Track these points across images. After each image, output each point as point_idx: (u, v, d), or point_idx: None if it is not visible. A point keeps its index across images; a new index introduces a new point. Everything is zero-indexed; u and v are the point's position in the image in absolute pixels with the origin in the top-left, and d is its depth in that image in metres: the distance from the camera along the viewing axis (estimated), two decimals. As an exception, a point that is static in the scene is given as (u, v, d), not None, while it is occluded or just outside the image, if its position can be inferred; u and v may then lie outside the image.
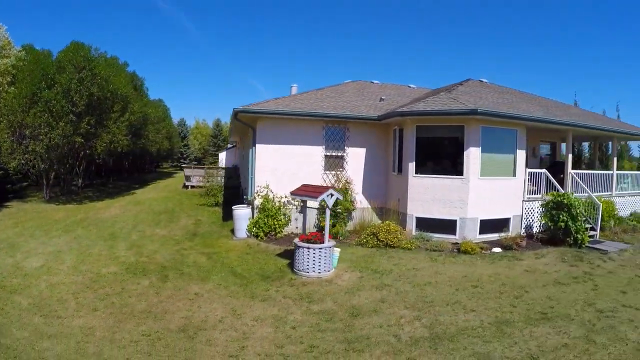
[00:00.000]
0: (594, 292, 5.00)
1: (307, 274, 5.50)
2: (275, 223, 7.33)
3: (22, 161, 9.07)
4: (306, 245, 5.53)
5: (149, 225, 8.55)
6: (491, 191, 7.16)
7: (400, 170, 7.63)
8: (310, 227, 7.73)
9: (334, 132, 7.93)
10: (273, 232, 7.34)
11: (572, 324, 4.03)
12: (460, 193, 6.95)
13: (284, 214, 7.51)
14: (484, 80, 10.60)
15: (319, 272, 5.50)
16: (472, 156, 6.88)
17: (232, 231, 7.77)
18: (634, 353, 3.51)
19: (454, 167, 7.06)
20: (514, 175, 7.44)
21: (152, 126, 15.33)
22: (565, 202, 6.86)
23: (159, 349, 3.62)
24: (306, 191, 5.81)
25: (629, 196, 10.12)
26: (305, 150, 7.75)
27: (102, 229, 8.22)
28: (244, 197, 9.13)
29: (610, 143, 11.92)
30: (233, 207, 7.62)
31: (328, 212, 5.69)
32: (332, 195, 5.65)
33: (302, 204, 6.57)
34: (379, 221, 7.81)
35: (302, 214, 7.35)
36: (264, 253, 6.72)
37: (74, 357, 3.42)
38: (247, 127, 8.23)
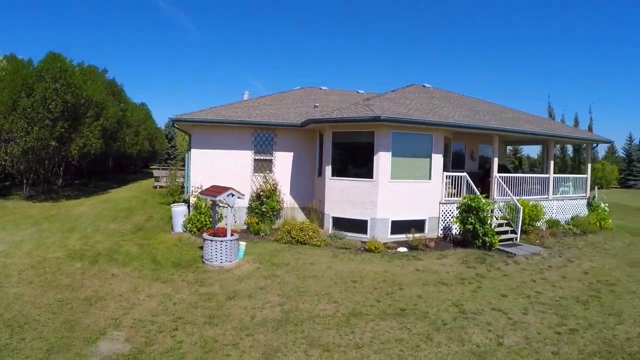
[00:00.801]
0: (473, 293, 5.76)
1: (212, 263, 6.92)
2: (207, 220, 8.82)
3: (3, 162, 11.31)
4: (211, 238, 6.96)
5: (105, 221, 10.37)
6: (403, 193, 8.24)
7: (320, 173, 8.90)
8: (242, 224, 9.16)
9: (262, 137, 9.35)
10: (205, 228, 8.82)
11: (423, 322, 4.77)
12: (370, 195, 8.10)
13: (220, 212, 8.97)
14: (427, 85, 11.56)
15: (221, 262, 6.90)
16: (382, 160, 8.01)
17: (172, 227, 9.38)
18: (464, 355, 4.02)
19: (366, 170, 8.21)
20: (430, 178, 8.46)
21: (129, 129, 17.52)
22: (474, 205, 7.78)
23: (63, 310, 5.18)
24: (211, 191, 7.24)
25: (569, 200, 10.71)
26: (235, 155, 9.22)
27: (65, 223, 10.13)
28: (182, 195, 10.74)
29: (581, 148, 12.37)
30: (171, 205, 9.22)
31: (230, 210, 7.09)
32: (232, 195, 7.04)
33: (221, 203, 8.00)
34: (307, 220, 9.09)
35: (231, 212, 8.79)
36: (191, 245, 8.23)
37: (2, 312, 5.06)
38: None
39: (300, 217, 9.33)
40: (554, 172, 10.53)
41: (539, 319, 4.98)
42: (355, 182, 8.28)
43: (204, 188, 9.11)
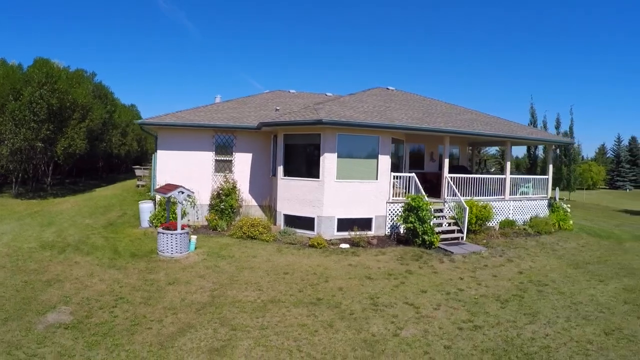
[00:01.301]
0: (394, 288, 6.53)
1: (164, 254, 8.01)
2: (172, 216, 9.92)
3: (-7, 162, 12.89)
4: (163, 231, 8.06)
5: (82, 217, 11.68)
6: (350, 193, 9.14)
7: (274, 173, 9.91)
8: (203, 220, 10.25)
9: (222, 139, 10.44)
10: (187, 226, 9.92)
11: (332, 311, 5.53)
12: (317, 194, 9.04)
13: (184, 209, 10.09)
14: (390, 88, 12.41)
15: (172, 253, 7.98)
16: (328, 161, 8.94)
17: (140, 222, 10.55)
18: (355, 342, 4.65)
19: (314, 170, 9.15)
20: (376, 178, 9.33)
21: (116, 130, 19.04)
22: (414, 204, 8.60)
23: (26, 289, 6.36)
24: (164, 189, 8.34)
25: (528, 200, 11.30)
26: (198, 156, 10.34)
27: (46, 218, 11.48)
28: (149, 193, 11.92)
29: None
30: (139, 202, 10.40)
31: (180, 206, 8.17)
32: (182, 192, 8.12)
33: (184, 200, 9.08)
34: (265, 217, 10.11)
35: (193, 208, 9.90)
36: (152, 239, 9.36)
37: (-26, 289, 6.29)
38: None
39: (259, 214, 10.36)
40: (522, 173, 11.16)
41: (447, 314, 5.58)
42: (303, 182, 9.24)
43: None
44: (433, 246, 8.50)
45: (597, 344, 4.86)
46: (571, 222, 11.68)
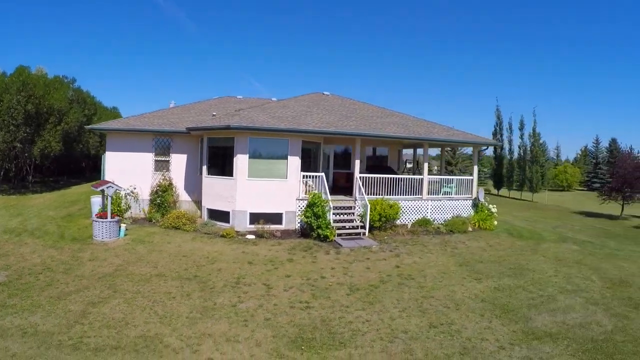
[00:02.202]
0: (266, 272, 8.38)
1: (97, 238, 10.42)
2: (117, 209, 12.39)
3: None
4: (96, 220, 10.47)
5: (49, 209, 14.44)
6: (261, 190, 11.20)
7: (201, 171, 12.12)
8: (143, 212, 12.62)
9: (161, 142, 12.81)
10: (117, 215, 12.39)
11: (197, 285, 7.51)
12: (231, 191, 11.17)
13: (125, 203, 12.53)
14: (326, 93, 14.34)
15: (103, 238, 10.36)
16: (240, 161, 11.05)
17: (92, 214, 13.10)
18: (195, 307, 6.41)
19: (229, 170, 11.27)
20: (286, 177, 11.34)
21: (94, 132, 22.06)
22: (311, 201, 10.51)
23: None
24: (99, 184, 10.76)
25: (448, 200, 12.87)
26: (140, 156, 12.76)
27: (17, 210, 14.33)
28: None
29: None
30: (91, 197, 12.94)
31: (109, 199, 10.54)
32: (111, 187, 10.50)
33: (131, 195, 11.50)
34: (198, 211, 12.35)
35: (136, 202, 12.31)
36: (96, 228, 11.83)
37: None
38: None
39: (192, 208, 12.63)
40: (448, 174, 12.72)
41: (292, 295, 7.28)
42: (221, 180, 11.42)
43: (115, 183, 12.73)
44: (328, 239, 10.35)
45: (411, 333, 5.90)
46: (495, 222, 13.10)
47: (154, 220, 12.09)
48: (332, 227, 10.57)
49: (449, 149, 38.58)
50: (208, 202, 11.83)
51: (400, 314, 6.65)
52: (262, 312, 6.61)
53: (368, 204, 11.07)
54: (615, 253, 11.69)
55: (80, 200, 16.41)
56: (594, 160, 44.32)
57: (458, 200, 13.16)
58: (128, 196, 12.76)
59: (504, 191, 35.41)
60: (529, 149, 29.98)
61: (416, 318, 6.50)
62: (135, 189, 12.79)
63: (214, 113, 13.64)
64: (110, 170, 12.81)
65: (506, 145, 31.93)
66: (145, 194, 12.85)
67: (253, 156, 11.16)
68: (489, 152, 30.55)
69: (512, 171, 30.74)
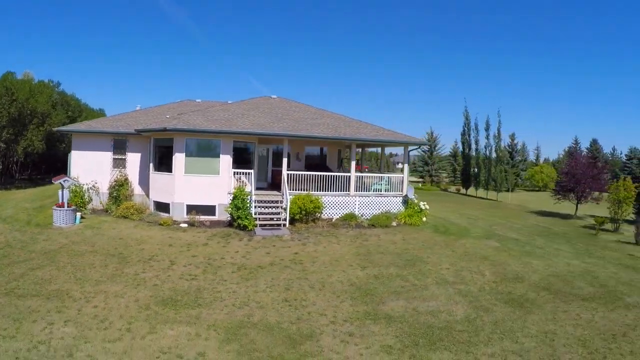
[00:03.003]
0: (179, 252, 10.69)
1: (55, 224, 13.07)
2: (81, 201, 15.06)
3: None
4: (55, 208, 13.11)
5: (26, 202, 17.34)
6: (197, 184, 13.55)
7: (149, 168, 14.62)
8: (103, 204, 15.24)
9: (119, 142, 15.44)
10: (81, 206, 15.08)
11: (117, 259, 10.06)
12: (171, 185, 13.60)
13: (87, 196, 15.19)
14: (273, 96, 16.56)
15: (60, 224, 13.00)
16: (177, 159, 13.45)
17: (60, 206, 15.88)
18: (108, 275, 8.94)
19: (170, 166, 13.67)
20: (219, 173, 13.63)
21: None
22: (235, 195, 12.75)
23: None
24: (57, 178, 13.40)
25: (377, 197, 14.81)
26: (100, 155, 15.42)
27: None
28: None
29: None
30: (58, 191, 15.68)
31: (66, 191, 13.14)
32: (67, 180, 13.13)
33: (93, 189, 14.17)
34: (149, 203, 14.87)
35: (97, 195, 15.00)
36: (59, 217, 14.55)
37: None
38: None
39: (145, 201, 15.15)
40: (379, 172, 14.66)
41: (187, 270, 9.56)
42: (163, 175, 13.87)
43: (79, 180, 15.44)
44: (247, 229, 12.58)
45: (262, 304, 7.84)
46: (424, 218, 14.92)
47: (109, 211, 14.69)
48: (253, 218, 12.81)
49: (426, 148, 40.69)
50: (154, 195, 14.33)
51: (265, 289, 8.66)
52: (155, 280, 8.96)
53: (288, 198, 13.23)
54: (534, 251, 13.16)
55: (55, 195, 19.32)
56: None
57: (388, 197, 15.10)
58: (90, 190, 15.42)
59: (472, 190, 37.28)
60: (494, 149, 31.61)
61: (277, 293, 8.46)
62: (96, 183, 15.43)
63: (167, 116, 16.16)
64: (76, 167, 15.54)
65: (474, 146, 34.22)
66: (104, 188, 15.49)
67: (189, 154, 13.56)
68: (446, 151, 32.74)
69: (480, 171, 32.23)
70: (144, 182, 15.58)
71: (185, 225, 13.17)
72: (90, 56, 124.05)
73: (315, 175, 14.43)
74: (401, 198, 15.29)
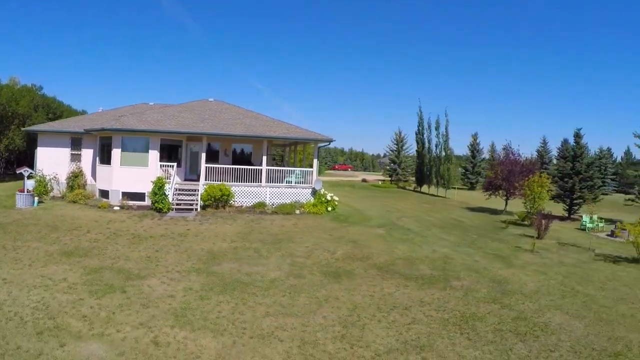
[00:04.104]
0: (98, 226, 15.29)
1: (17, 206, 17.58)
2: (44, 189, 19.61)
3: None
4: (17, 193, 17.62)
5: (3, 191, 22.15)
6: (131, 175, 17.71)
7: (97, 161, 18.96)
8: (62, 192, 19.71)
9: (75, 140, 19.92)
10: (44, 193, 19.62)
11: (50, 229, 14.79)
12: (110, 175, 17.80)
13: (50, 185, 19.72)
14: (211, 99, 20.55)
15: (21, 206, 17.50)
16: (115, 154, 17.67)
17: (28, 194, 20.52)
18: (38, 238, 14.19)
19: (110, 160, 17.88)
20: (148, 166, 17.69)
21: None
22: (155, 183, 16.76)
23: None
24: (19, 168, 17.90)
25: (288, 188, 18.42)
26: (61, 151, 19.95)
27: (-17, 191, 22.25)
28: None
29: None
30: (27, 181, 20.31)
31: (29, 180, 17.60)
32: (27, 170, 17.60)
33: (56, 179, 18.66)
34: (97, 191, 19.22)
35: (58, 185, 19.59)
36: (24, 202, 19.13)
37: None
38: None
39: (95, 189, 19.48)
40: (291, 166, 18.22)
41: (93, 236, 13.68)
42: (105, 167, 18.12)
43: (44, 172, 19.99)
44: (162, 211, 16.58)
45: (125, 258, 11.76)
46: (329, 208, 18.40)
47: (65, 198, 19.13)
48: (170, 202, 16.80)
49: (394, 148, 43.60)
50: (98, 184, 18.65)
51: (140, 250, 12.51)
52: (67, 241, 13.11)
53: (203, 187, 17.11)
54: (414, 239, 16.01)
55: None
56: (540, 160, 48.26)
57: (297, 188, 18.68)
58: (52, 180, 19.97)
59: (428, 189, 40.58)
60: (442, 147, 34.41)
61: (145, 253, 12.21)
62: (57, 175, 19.95)
63: (120, 117, 20.50)
64: (40, 162, 20.12)
65: (427, 145, 37.68)
66: (63, 178, 19.99)
67: (125, 150, 17.75)
68: (412, 151, 35.93)
69: (431, 169, 35.05)
70: (95, 173, 19.97)
71: (118, 208, 17.35)
72: (89, 57, 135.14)
73: (231, 168, 18.28)
74: (310, 189, 18.83)
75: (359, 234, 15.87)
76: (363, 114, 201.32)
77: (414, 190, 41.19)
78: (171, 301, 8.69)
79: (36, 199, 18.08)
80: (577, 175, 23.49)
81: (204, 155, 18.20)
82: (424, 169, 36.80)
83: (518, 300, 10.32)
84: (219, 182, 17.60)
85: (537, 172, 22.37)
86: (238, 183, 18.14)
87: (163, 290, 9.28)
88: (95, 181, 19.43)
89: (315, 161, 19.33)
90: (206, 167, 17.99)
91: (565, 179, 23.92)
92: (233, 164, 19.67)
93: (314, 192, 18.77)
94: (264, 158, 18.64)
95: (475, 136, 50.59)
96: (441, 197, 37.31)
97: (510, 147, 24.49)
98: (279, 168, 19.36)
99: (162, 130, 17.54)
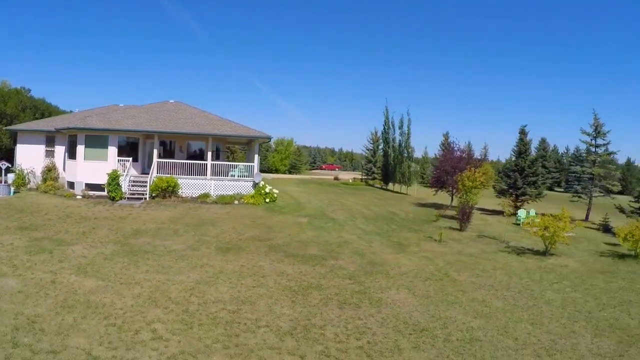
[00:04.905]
0: (57, 209, 19.17)
1: (-3, 195, 21.58)
2: (22, 181, 23.62)
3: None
4: (-3, 184, 21.63)
5: (-9, 183, 26.37)
6: (93, 168, 21.43)
7: (67, 157, 22.82)
8: (37, 185, 23.69)
9: (50, 138, 23.91)
10: (22, 186, 23.62)
11: (21, 214, 18.69)
12: (75, 168, 21.57)
13: (27, 178, 23.71)
14: (171, 101, 24.16)
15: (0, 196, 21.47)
16: (79, 150, 21.45)
17: (10, 185, 24.61)
18: (5, 218, 18.06)
19: (75, 155, 21.62)
20: (107, 160, 21.36)
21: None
22: (109, 175, 20.36)
23: None
24: (-1, 163, 21.93)
25: (230, 181, 21.74)
26: (37, 147, 24.02)
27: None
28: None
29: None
30: (8, 174, 24.39)
31: (10, 174, 21.56)
32: (4, 164, 21.55)
33: (35, 174, 22.62)
34: (66, 183, 23.10)
35: (34, 177, 23.66)
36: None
37: None
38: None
39: (65, 182, 23.33)
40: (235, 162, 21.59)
41: (48, 217, 17.49)
42: (72, 162, 21.94)
43: (22, 167, 24.00)
44: (115, 199, 20.17)
45: (66, 231, 16.13)
46: (267, 200, 21.60)
47: (39, 189, 23.05)
48: (122, 192, 20.36)
49: (371, 147, 46.42)
50: (67, 176, 22.47)
51: (78, 227, 16.11)
52: (26, 220, 16.83)
53: (150, 179, 20.64)
54: (329, 227, 18.79)
55: (17, 179, 28.51)
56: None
57: (240, 181, 21.95)
58: (29, 174, 23.99)
59: (392, 186, 43.44)
60: (403, 145, 36.90)
61: (81, 229, 15.75)
62: (33, 169, 23.93)
63: (87, 116, 24.31)
64: (19, 157, 24.16)
65: (391, 143, 40.41)
66: (39, 172, 23.95)
67: (87, 146, 21.50)
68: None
69: (395, 167, 37.65)
70: (67, 167, 23.86)
71: (80, 197, 21.09)
72: (89, 57, 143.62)
73: (181, 162, 21.75)
74: (251, 183, 22.07)
75: (281, 222, 18.97)
76: (354, 115, 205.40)
77: (380, 188, 43.96)
78: (82, 260, 12.09)
79: (12, 189, 22.05)
80: (520, 172, 25.74)
81: (155, 151, 21.76)
82: (389, 167, 39.58)
83: (375, 279, 11.77)
84: (169, 175, 21.09)
85: (476, 167, 24.62)
86: (187, 176, 21.59)
87: (80, 253, 12.71)
88: (65, 174, 23.30)
89: (256, 157, 22.58)
90: (158, 161, 21.54)
91: (510, 175, 26.18)
92: (187, 160, 23.15)
93: (255, 185, 22.01)
94: (209, 154, 22.06)
95: (446, 135, 53.23)
96: (403, 194, 40.18)
97: (456, 143, 26.97)
98: (223, 162, 22.73)
99: (119, 129, 21.19)
